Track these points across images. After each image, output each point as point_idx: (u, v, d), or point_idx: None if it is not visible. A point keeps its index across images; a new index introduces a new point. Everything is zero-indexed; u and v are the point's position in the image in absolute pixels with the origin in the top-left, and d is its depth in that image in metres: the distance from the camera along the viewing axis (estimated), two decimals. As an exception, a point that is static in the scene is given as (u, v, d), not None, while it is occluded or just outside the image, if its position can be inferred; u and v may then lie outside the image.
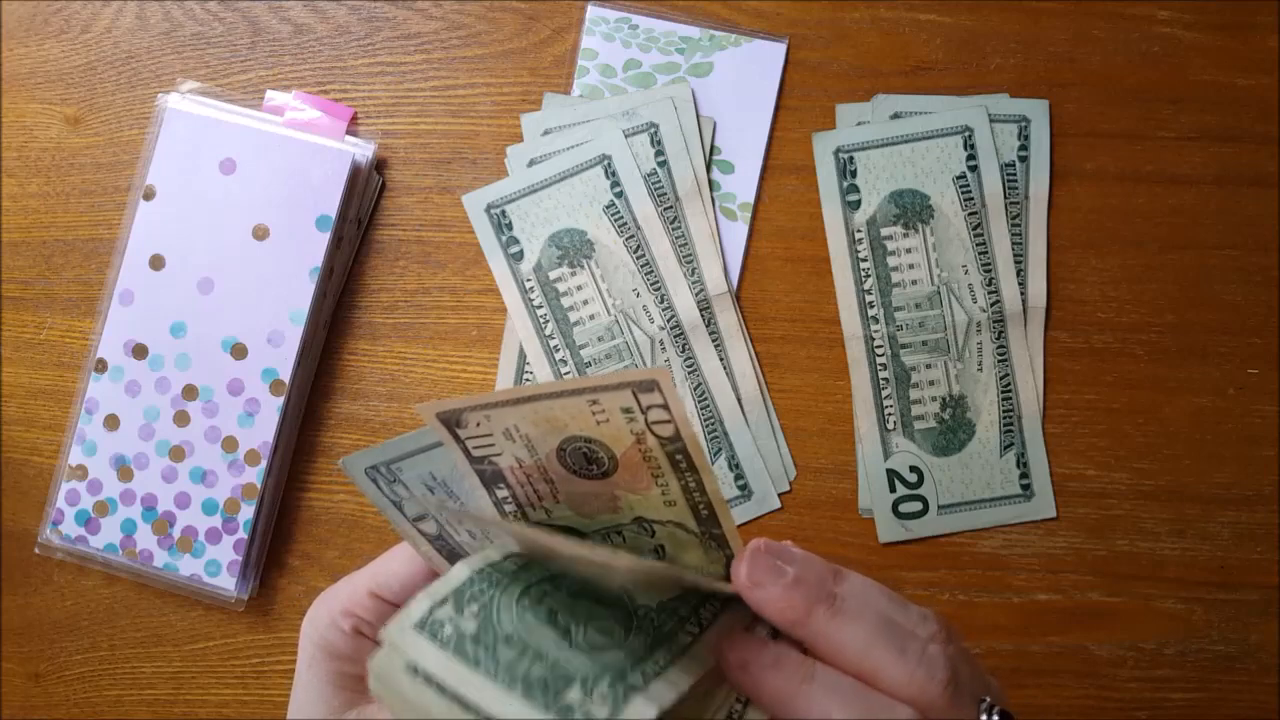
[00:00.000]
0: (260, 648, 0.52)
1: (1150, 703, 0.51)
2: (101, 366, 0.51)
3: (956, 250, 0.52)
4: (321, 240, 0.50)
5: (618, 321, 0.52)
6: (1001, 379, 0.52)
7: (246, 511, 0.50)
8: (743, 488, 0.52)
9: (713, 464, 0.52)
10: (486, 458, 0.28)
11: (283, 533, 0.52)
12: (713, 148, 0.53)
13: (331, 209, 0.50)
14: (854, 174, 0.52)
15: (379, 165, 0.53)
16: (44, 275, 0.53)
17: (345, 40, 0.53)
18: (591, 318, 0.52)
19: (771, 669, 0.25)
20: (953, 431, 0.52)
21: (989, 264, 0.52)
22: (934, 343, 0.52)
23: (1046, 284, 0.52)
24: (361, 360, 0.53)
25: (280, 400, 0.50)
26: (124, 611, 0.53)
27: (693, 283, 0.52)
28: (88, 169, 0.53)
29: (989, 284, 0.51)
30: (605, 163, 0.52)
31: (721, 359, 0.52)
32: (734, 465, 0.52)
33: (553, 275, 0.52)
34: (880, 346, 0.52)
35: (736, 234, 0.52)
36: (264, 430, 0.50)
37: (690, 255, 0.52)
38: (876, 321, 0.52)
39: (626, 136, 0.52)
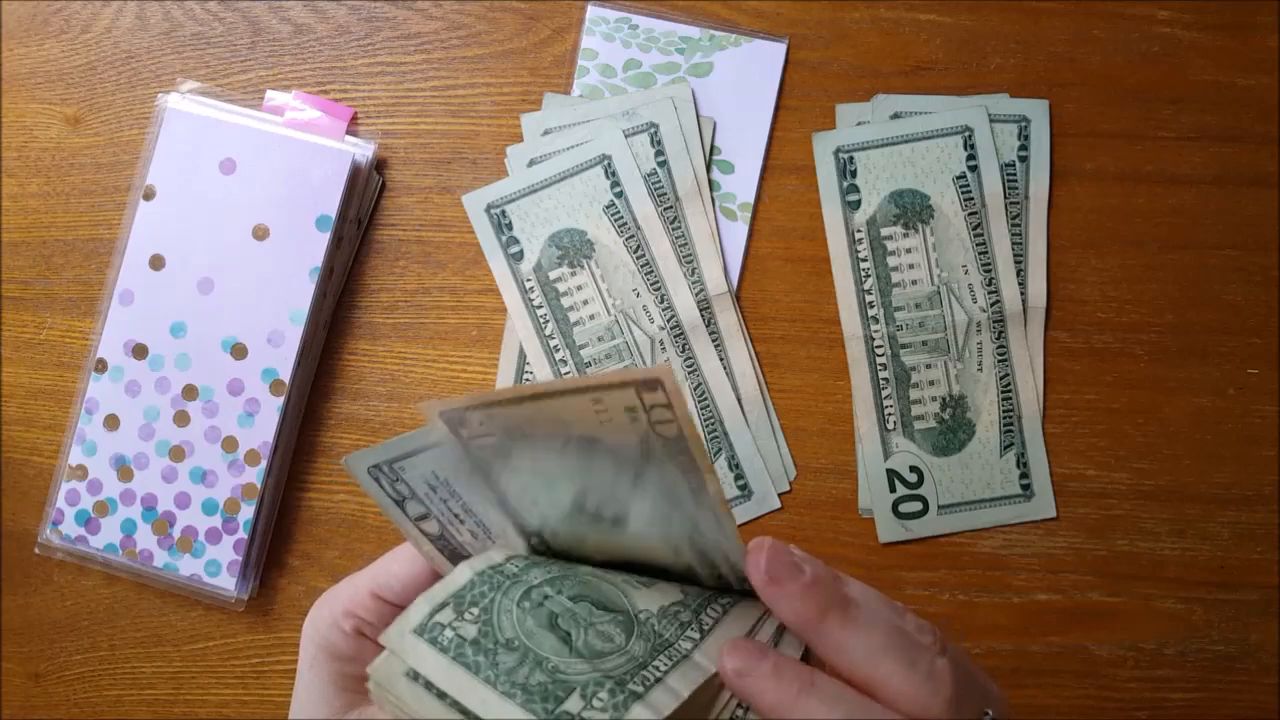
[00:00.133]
0: (260, 648, 0.52)
1: (1150, 703, 0.51)
2: (101, 366, 0.51)
3: (956, 250, 0.52)
4: (321, 240, 0.50)
5: (618, 321, 0.52)
6: (1001, 379, 0.52)
7: (246, 511, 0.50)
8: (743, 488, 0.52)
9: (713, 464, 0.52)
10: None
11: (283, 533, 0.52)
12: (713, 148, 0.53)
13: (331, 209, 0.50)
14: (854, 174, 0.52)
15: (379, 165, 0.53)
16: (44, 275, 0.53)
17: (345, 40, 0.53)
18: (591, 318, 0.52)
19: (771, 677, 0.25)
20: (953, 431, 0.52)
21: (989, 264, 0.51)
22: (934, 343, 0.52)
23: (1046, 284, 0.52)
24: (361, 360, 0.53)
25: (280, 400, 0.50)
26: (124, 611, 0.53)
27: (693, 283, 0.52)
28: (88, 169, 0.53)
29: (989, 284, 0.51)
30: (605, 163, 0.52)
31: (721, 359, 0.52)
32: (734, 465, 0.52)
33: (553, 275, 0.52)
34: (880, 346, 0.52)
35: (736, 234, 0.52)
36: (264, 430, 0.50)
37: (690, 255, 0.52)
38: (876, 321, 0.52)
39: (626, 136, 0.52)
